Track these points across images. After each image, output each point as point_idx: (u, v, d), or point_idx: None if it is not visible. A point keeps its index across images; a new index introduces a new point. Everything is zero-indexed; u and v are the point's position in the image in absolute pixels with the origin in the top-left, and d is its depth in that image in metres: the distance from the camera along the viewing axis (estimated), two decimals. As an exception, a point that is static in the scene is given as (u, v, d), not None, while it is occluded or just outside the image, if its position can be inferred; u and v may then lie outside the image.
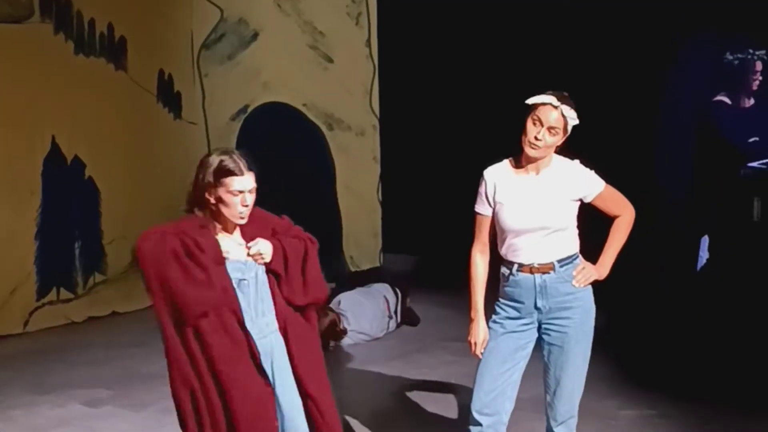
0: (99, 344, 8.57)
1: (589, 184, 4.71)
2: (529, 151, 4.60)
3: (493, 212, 4.74)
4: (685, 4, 9.12)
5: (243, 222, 4.24)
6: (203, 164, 4.23)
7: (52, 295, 9.48)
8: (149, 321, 4.43)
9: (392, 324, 8.92)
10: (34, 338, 8.97)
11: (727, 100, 8.95)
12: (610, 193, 4.77)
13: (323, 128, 11.25)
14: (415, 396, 6.99)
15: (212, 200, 4.18)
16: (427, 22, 10.83)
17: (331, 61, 11.18)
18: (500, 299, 4.83)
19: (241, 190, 4.17)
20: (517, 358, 4.79)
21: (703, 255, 8.63)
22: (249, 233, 4.30)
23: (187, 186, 4.31)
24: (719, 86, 9.03)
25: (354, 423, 6.51)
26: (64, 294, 9.60)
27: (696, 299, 8.62)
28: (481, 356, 4.80)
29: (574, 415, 4.87)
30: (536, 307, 4.71)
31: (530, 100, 4.61)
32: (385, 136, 11.27)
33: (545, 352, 4.81)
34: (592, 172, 4.74)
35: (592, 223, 4.83)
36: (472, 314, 4.83)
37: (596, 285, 4.82)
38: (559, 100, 4.57)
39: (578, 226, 4.78)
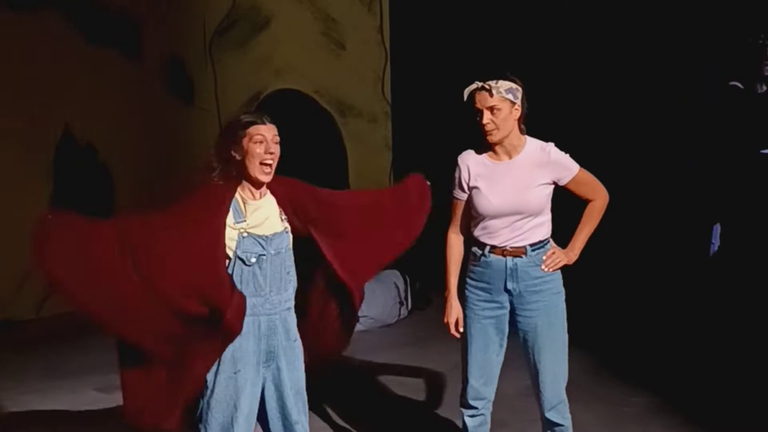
0: (112, 330, 8.60)
1: (564, 167, 4.75)
2: (489, 139, 4.68)
3: (468, 196, 4.79)
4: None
5: (268, 177, 4.21)
6: (225, 127, 4.31)
7: (65, 281, 9.51)
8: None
9: (404, 311, 8.94)
10: (48, 324, 9.00)
11: (740, 85, 8.91)
12: (585, 177, 4.81)
13: (335, 115, 11.26)
14: (426, 382, 7.01)
15: (238, 156, 4.17)
16: (439, 9, 10.81)
17: (343, 47, 11.18)
18: (469, 280, 4.87)
19: (264, 135, 4.18)
20: (497, 340, 4.85)
21: (715, 243, 8.61)
22: (281, 195, 4.32)
23: (206, 157, 4.32)
24: (731, 72, 8.99)
25: (366, 409, 6.54)
26: (78, 279, 9.63)
27: (707, 286, 8.62)
28: (458, 336, 4.86)
29: (562, 400, 4.89)
30: (506, 290, 4.76)
31: (464, 95, 4.71)
32: (398, 123, 11.27)
33: (521, 341, 4.85)
34: (567, 155, 4.78)
35: (565, 209, 4.89)
36: (446, 294, 4.89)
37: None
38: (483, 81, 4.66)
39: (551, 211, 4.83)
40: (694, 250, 8.81)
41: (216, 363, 4.14)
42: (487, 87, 4.62)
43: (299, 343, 4.35)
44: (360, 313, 8.55)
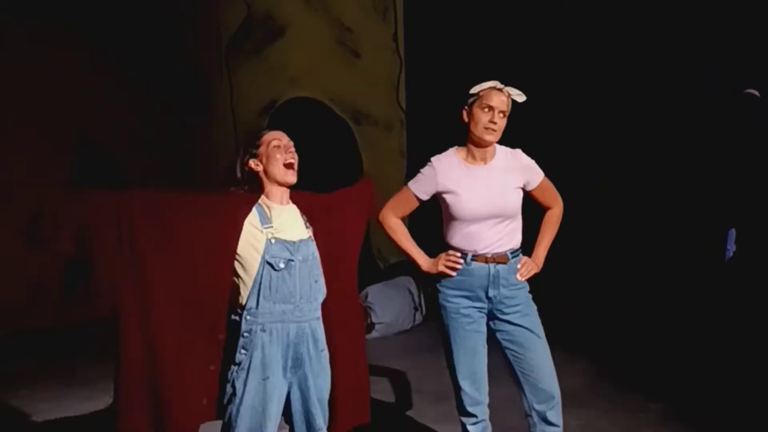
0: (128, 338, 8.60)
1: (533, 171, 4.84)
2: (486, 137, 4.70)
3: (444, 202, 4.80)
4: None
5: (294, 177, 4.25)
6: (243, 143, 4.29)
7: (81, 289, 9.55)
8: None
9: (419, 316, 8.94)
10: (64, 332, 9.03)
11: (755, 92, 8.88)
12: (548, 183, 4.91)
13: (350, 123, 11.27)
14: (442, 388, 6.99)
15: (260, 166, 4.21)
16: (453, 16, 10.82)
17: (357, 55, 11.20)
18: (445, 290, 4.85)
19: (279, 139, 4.24)
20: (480, 343, 4.85)
21: (730, 248, 8.59)
22: (302, 206, 4.33)
23: (226, 169, 4.32)
24: (746, 78, 8.97)
25: (382, 416, 6.53)
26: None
27: (723, 292, 8.59)
28: (460, 265, 4.78)
29: (559, 396, 4.85)
30: (487, 297, 4.78)
31: (475, 89, 4.74)
32: (412, 130, 11.27)
33: (508, 344, 4.83)
34: (533, 161, 4.86)
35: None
36: (418, 262, 4.91)
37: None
38: (498, 85, 4.73)
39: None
40: (709, 256, 8.80)
41: (245, 370, 4.15)
42: (513, 92, 4.72)
43: (326, 353, 4.34)
44: (376, 320, 8.63)
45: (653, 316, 8.54)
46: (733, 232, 8.46)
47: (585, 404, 6.37)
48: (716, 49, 8.86)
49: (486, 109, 4.68)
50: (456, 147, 4.84)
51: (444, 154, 4.85)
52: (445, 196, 4.77)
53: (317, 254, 4.28)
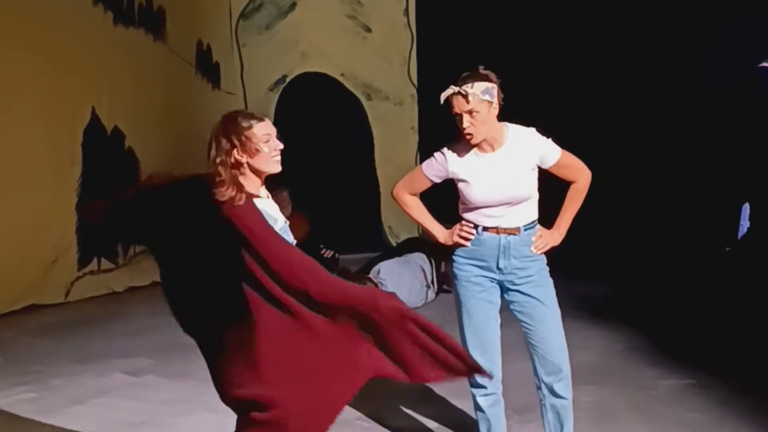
0: (140, 314, 8.62)
1: (547, 152, 4.76)
2: (471, 142, 4.67)
3: (457, 187, 4.81)
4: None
5: (279, 168, 4.07)
6: (224, 133, 4.03)
7: (93, 265, 9.56)
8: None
9: (431, 294, 8.93)
10: (76, 308, 9.05)
11: (769, 66, 8.87)
12: (568, 159, 4.82)
13: (361, 98, 11.24)
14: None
15: (244, 159, 3.99)
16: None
17: (369, 30, 11.17)
18: (458, 259, 4.87)
19: (268, 133, 4.05)
20: (493, 314, 4.87)
21: (744, 223, 8.57)
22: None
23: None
24: (763, 54, 8.95)
25: (393, 394, 6.53)
26: (105, 264, 9.68)
27: (731, 269, 8.58)
28: (472, 235, 4.80)
29: (569, 370, 4.85)
30: (498, 267, 4.78)
31: (442, 99, 4.66)
32: (424, 105, 11.25)
33: (520, 316, 4.83)
34: (549, 139, 4.78)
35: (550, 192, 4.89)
36: (437, 233, 4.93)
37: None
38: (460, 82, 4.62)
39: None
40: (721, 233, 8.79)
41: None
42: (463, 93, 4.59)
43: None
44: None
45: (665, 295, 8.53)
46: (747, 207, 8.44)
47: (597, 381, 6.36)
48: (714, 40, 8.87)
49: (457, 116, 4.64)
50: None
51: (456, 141, 4.81)
52: (457, 182, 4.78)
53: None
